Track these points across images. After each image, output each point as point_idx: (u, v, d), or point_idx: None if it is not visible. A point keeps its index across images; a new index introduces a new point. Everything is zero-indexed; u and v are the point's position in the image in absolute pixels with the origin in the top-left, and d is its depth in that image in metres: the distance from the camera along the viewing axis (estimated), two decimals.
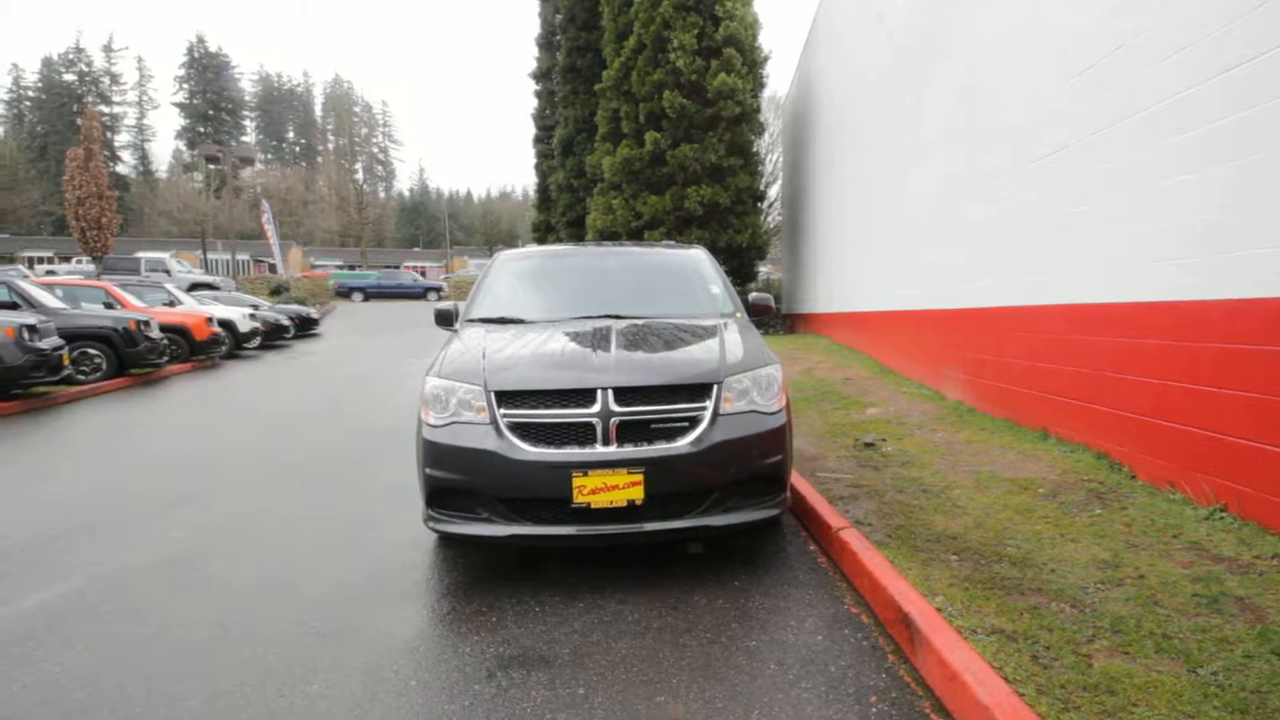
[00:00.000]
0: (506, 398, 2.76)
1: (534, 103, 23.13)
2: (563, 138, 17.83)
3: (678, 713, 1.92)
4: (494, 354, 3.09)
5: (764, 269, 20.20)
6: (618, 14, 14.84)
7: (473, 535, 2.74)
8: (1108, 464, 3.86)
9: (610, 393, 2.72)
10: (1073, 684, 1.86)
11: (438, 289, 31.14)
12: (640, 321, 3.54)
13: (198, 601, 2.72)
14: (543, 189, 22.12)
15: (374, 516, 3.78)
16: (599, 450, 2.66)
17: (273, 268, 34.95)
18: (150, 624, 2.52)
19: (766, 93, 15.43)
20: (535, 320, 3.65)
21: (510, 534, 2.68)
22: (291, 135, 77.05)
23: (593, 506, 2.63)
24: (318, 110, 78.54)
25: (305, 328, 17.77)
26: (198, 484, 4.47)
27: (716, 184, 14.22)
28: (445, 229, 58.71)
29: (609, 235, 15.05)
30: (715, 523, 2.74)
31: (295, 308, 18.49)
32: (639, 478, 2.63)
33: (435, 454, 2.78)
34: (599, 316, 3.63)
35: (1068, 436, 4.31)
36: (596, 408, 2.70)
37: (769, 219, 19.30)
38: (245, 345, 13.75)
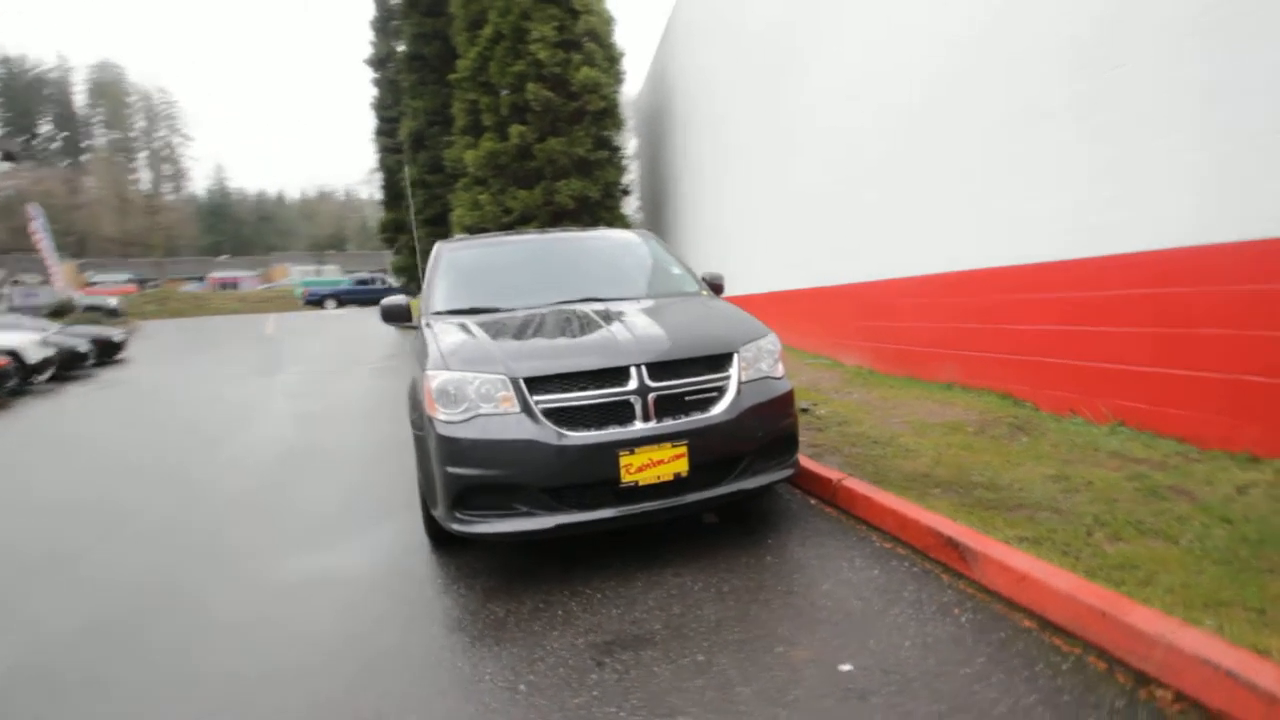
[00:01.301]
0: (537, 384, 2.65)
1: (372, 91, 21.49)
2: (412, 130, 16.77)
3: (806, 655, 2.01)
4: (502, 341, 2.93)
5: None
6: (469, 1, 14.29)
7: (512, 532, 2.59)
8: (1012, 402, 4.55)
9: (644, 369, 2.72)
10: (1103, 566, 2.23)
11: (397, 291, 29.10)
12: (628, 301, 3.54)
13: None
14: (391, 185, 20.66)
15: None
16: (642, 426, 2.65)
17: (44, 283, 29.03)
18: None
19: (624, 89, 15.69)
20: (516, 308, 3.50)
21: (556, 524, 2.58)
22: (47, 129, 64.16)
23: (641, 484, 2.62)
24: (80, 99, 66.16)
25: (107, 353, 15.02)
26: None
27: (586, 178, 14.25)
28: (257, 232, 52.51)
29: (478, 232, 14.51)
30: (748, 486, 2.85)
31: (91, 329, 15.59)
32: (683, 450, 2.66)
33: (460, 451, 2.59)
34: (581, 300, 3.57)
35: (970, 384, 5.00)
36: (633, 384, 2.68)
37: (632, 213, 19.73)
38: (35, 378, 11.34)
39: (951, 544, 2.50)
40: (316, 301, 29.46)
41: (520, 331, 3.08)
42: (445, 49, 17.14)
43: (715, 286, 4.23)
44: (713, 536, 3.06)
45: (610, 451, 2.58)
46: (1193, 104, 3.28)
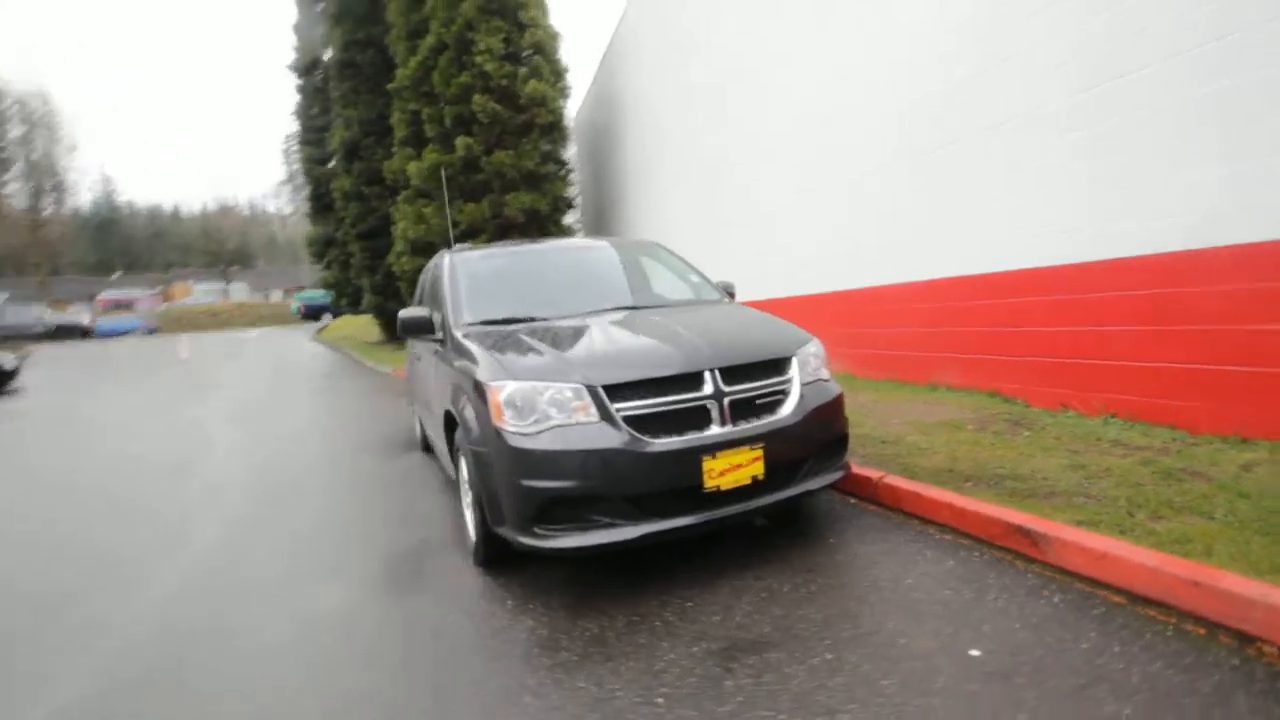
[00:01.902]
0: (617, 391, 2.60)
1: (295, 98, 20.39)
2: (346, 140, 16.03)
3: (930, 645, 2.06)
4: (564, 350, 2.86)
5: None
6: (409, 9, 13.94)
7: (597, 545, 2.51)
8: (1002, 399, 4.85)
9: (718, 373, 2.73)
10: (1162, 542, 2.42)
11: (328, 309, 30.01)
12: (667, 309, 3.55)
13: None
14: (319, 198, 19.62)
15: None
16: (721, 431, 2.66)
17: None
18: None
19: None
20: (554, 317, 3.43)
21: (641, 534, 2.53)
22: None
23: (722, 488, 2.62)
24: None
25: None
26: None
27: (535, 191, 14.13)
28: (150, 249, 48.57)
29: (423, 246, 14.06)
30: (811, 487, 2.91)
31: None
32: (759, 453, 2.69)
33: (537, 463, 2.51)
34: (618, 309, 3.55)
35: (955, 384, 5.30)
36: (708, 389, 2.69)
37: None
38: None
39: (1021, 531, 2.64)
40: (314, 315, 31.67)
41: (577, 340, 3.02)
42: (380, 57, 16.61)
43: (729, 295, 4.30)
44: (771, 539, 3.09)
45: (694, 457, 2.57)
46: (1149, 134, 3.66)
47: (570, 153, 15.35)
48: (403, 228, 14.11)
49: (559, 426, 2.56)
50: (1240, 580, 2.01)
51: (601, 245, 4.57)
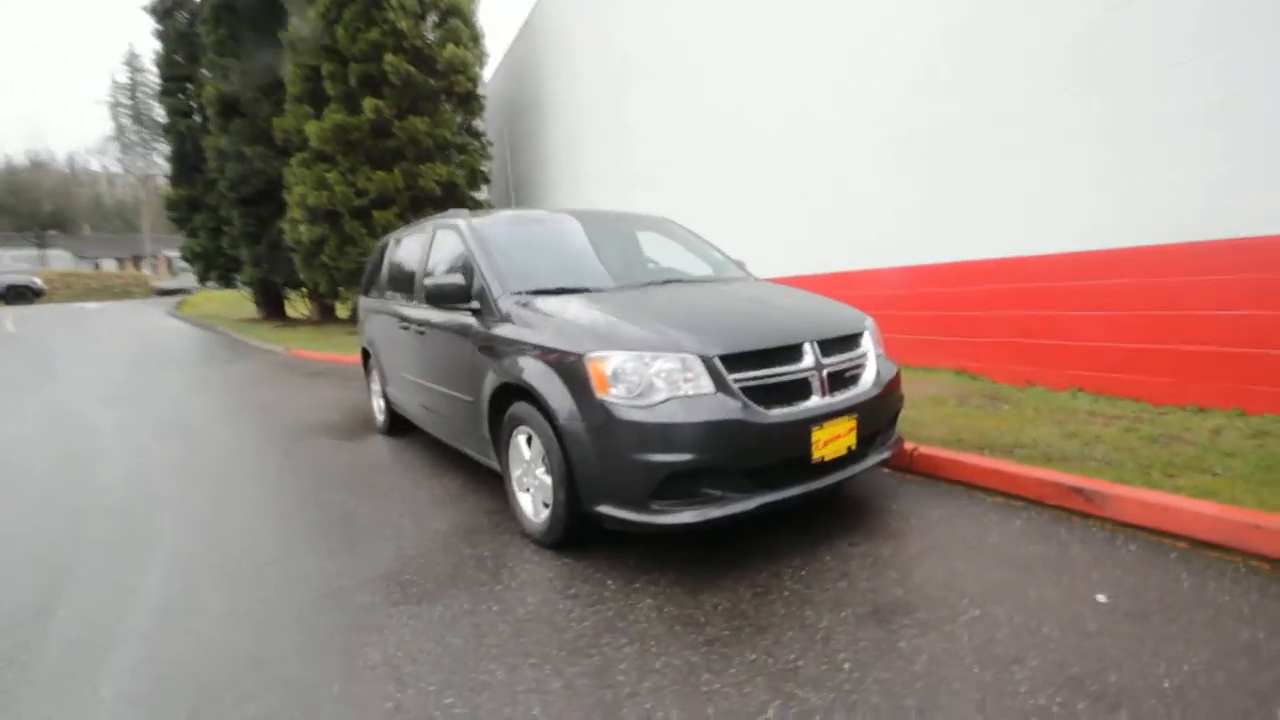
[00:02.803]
0: (731, 362, 2.53)
1: (155, 45, 17.51)
2: (223, 94, 14.07)
3: (1057, 595, 2.22)
4: (658, 321, 2.74)
5: None
6: None
7: (717, 518, 2.43)
8: (969, 377, 5.30)
9: (817, 345, 2.74)
10: (1194, 495, 2.76)
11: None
12: (721, 283, 3.51)
13: None
14: (182, 156, 17.13)
15: None
16: (823, 402, 2.68)
17: None
18: None
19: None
20: (610, 288, 3.27)
21: (758, 505, 2.50)
22: None
23: (826, 459, 2.65)
24: None
25: None
26: None
27: (451, 162, 13.36)
28: None
29: (327, 214, 12.83)
30: (881, 457, 3.02)
31: None
32: (854, 423, 2.75)
33: (658, 436, 2.40)
34: (669, 281, 3.48)
35: (919, 364, 5.71)
36: (809, 361, 2.70)
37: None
38: None
39: (1076, 490, 2.91)
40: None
41: (663, 311, 2.90)
42: (265, 1, 14.83)
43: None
44: (833, 510, 3.16)
45: (805, 428, 2.57)
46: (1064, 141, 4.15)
47: (484, 125, 14.64)
48: (301, 193, 12.79)
49: (677, 398, 2.45)
50: None
51: (616, 216, 4.40)
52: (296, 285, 16.77)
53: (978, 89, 5.03)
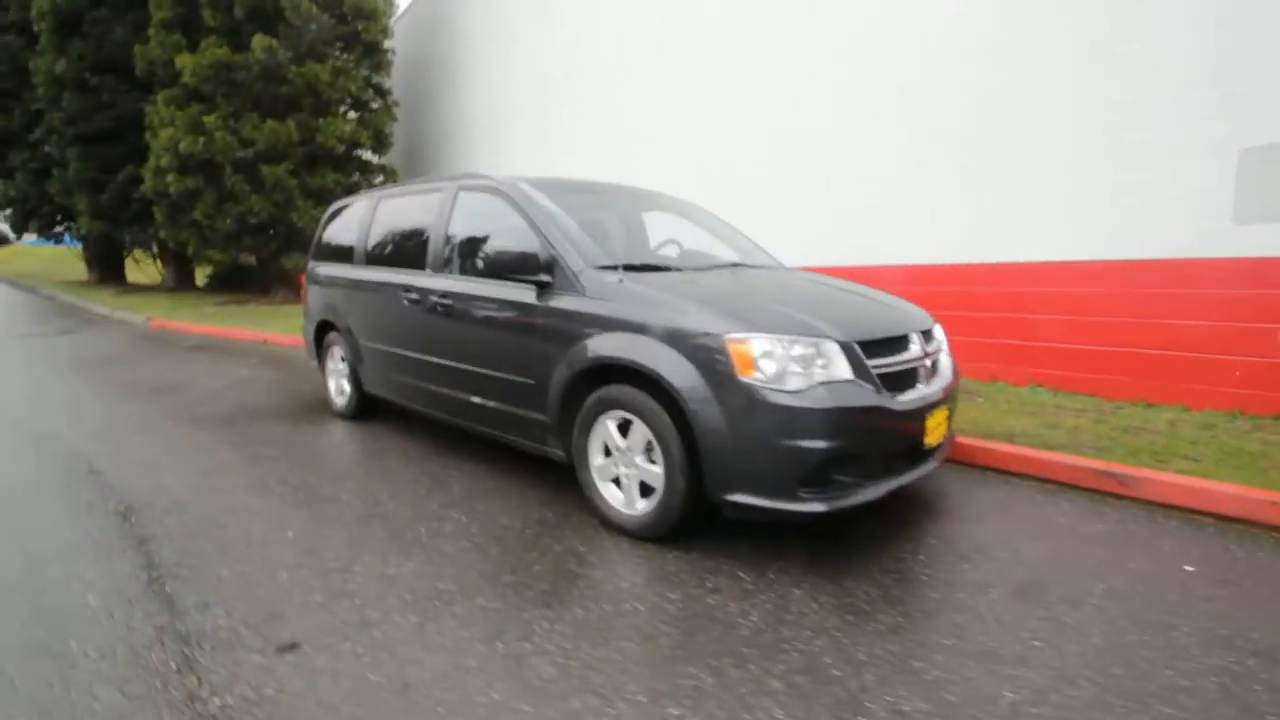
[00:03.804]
0: (870, 348, 2.53)
1: None
2: (60, 6, 11.54)
3: (1147, 566, 2.48)
4: (775, 303, 2.66)
5: None
6: None
7: (850, 505, 2.44)
8: None
9: (920, 336, 2.82)
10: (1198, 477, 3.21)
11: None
12: (789, 272, 3.51)
13: None
14: None
15: None
16: (930, 390, 2.77)
17: None
18: None
19: None
20: (691, 267, 3.14)
21: (885, 491, 2.54)
22: None
23: (930, 445, 2.75)
24: None
25: None
26: None
27: (357, 120, 12.14)
28: None
29: (202, 164, 11.11)
30: (952, 444, 3.18)
31: None
32: (949, 412, 2.87)
33: (808, 422, 2.34)
34: (736, 265, 3.42)
35: None
36: (917, 350, 2.78)
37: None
38: None
39: (1108, 474, 3.25)
40: None
41: (779, 294, 2.84)
42: None
43: None
44: (898, 496, 3.28)
45: (923, 414, 2.65)
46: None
47: (389, 82, 13.44)
48: (169, 137, 10.99)
49: (823, 384, 2.40)
50: None
51: (652, 195, 4.20)
52: (145, 244, 14.41)
53: (892, 111, 5.43)
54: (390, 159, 13.63)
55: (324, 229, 5.25)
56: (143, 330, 10.25)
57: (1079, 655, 1.94)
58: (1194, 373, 4.34)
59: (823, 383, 2.40)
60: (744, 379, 2.38)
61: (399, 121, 13.70)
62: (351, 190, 12.73)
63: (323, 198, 11.88)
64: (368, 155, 12.64)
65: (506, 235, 3.29)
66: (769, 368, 2.38)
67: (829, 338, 2.47)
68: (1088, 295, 4.79)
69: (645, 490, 2.73)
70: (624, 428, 2.75)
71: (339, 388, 4.89)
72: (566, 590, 2.33)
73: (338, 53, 11.69)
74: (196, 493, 3.28)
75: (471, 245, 3.59)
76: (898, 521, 2.92)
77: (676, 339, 2.54)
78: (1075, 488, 3.36)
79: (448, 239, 3.71)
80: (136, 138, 12.34)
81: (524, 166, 11.01)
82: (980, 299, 5.39)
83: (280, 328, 9.90)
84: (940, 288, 5.63)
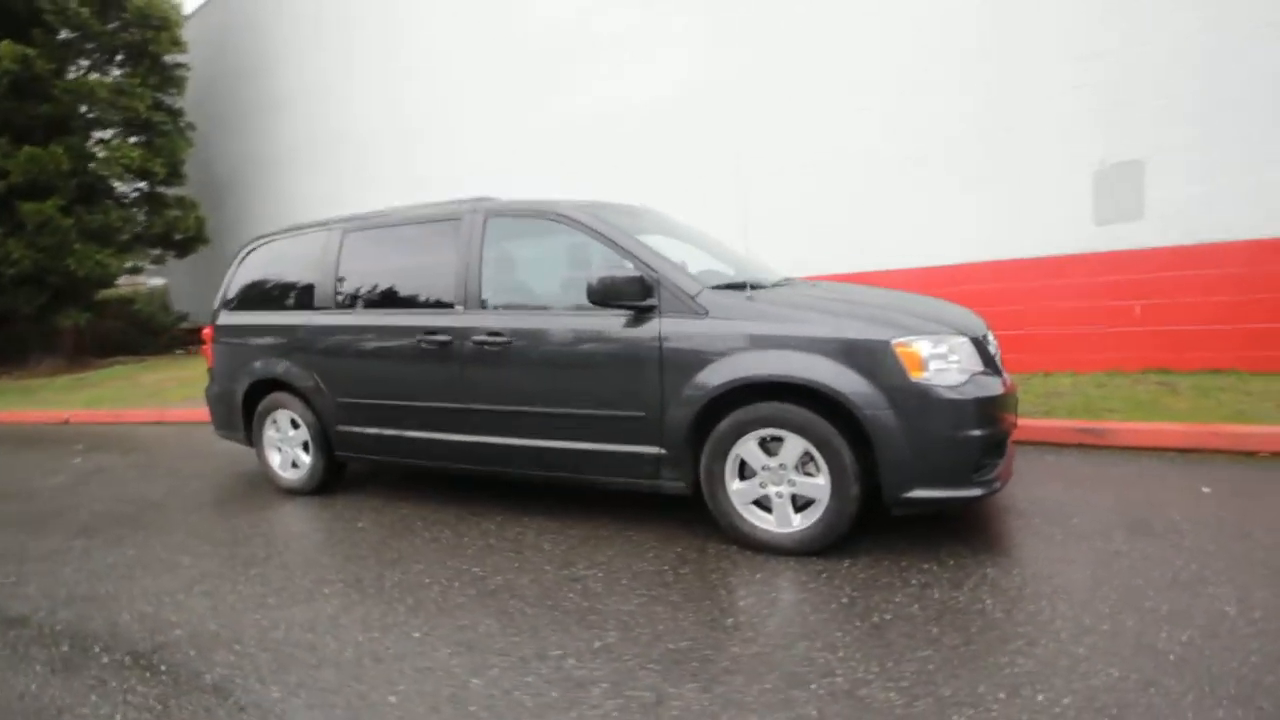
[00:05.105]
0: (978, 344, 2.81)
1: None
2: None
3: (1172, 497, 3.09)
4: (886, 309, 2.84)
5: (141, 279, 14.85)
6: None
7: (998, 486, 2.69)
8: None
9: (990, 336, 3.20)
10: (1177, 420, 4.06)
11: None
12: (842, 285, 3.75)
13: None
14: None
15: None
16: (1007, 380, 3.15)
17: None
18: None
19: None
20: (759, 282, 3.18)
21: (1003, 468, 2.83)
22: None
23: None
24: None
25: None
26: None
27: (146, 146, 10.12)
28: None
29: None
30: None
31: None
32: None
33: (975, 412, 2.55)
34: (785, 281, 3.56)
35: None
36: (994, 349, 3.13)
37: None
38: None
39: (1086, 430, 3.96)
40: None
41: (876, 301, 3.00)
42: None
43: None
44: None
45: (1015, 403, 3.00)
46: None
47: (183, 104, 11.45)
48: None
49: (973, 377, 2.63)
50: (1234, 427, 3.70)
51: (636, 211, 4.13)
52: None
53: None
54: (188, 191, 11.51)
55: (237, 271, 4.37)
56: None
57: (1221, 572, 2.38)
58: (1077, 345, 5.44)
59: (971, 376, 2.64)
60: (916, 380, 2.52)
61: (195, 148, 11.67)
62: (151, 233, 10.56)
63: (107, 239, 9.69)
64: (179, 188, 10.56)
65: (580, 263, 3.08)
66: (935, 367, 2.55)
67: (963, 334, 2.72)
68: (990, 290, 5.74)
69: (798, 504, 2.73)
70: (775, 446, 2.73)
71: (289, 459, 4.08)
72: (782, 612, 2.25)
73: (118, 66, 9.68)
74: (264, 632, 2.53)
75: (523, 277, 3.29)
76: None
77: (836, 349, 2.59)
78: (1059, 445, 4.04)
79: (481, 272, 3.33)
80: None
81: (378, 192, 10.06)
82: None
83: (79, 401, 7.89)
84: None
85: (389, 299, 3.63)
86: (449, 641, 2.24)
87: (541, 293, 3.36)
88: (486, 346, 3.22)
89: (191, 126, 11.24)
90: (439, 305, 3.41)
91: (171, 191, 11.14)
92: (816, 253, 6.30)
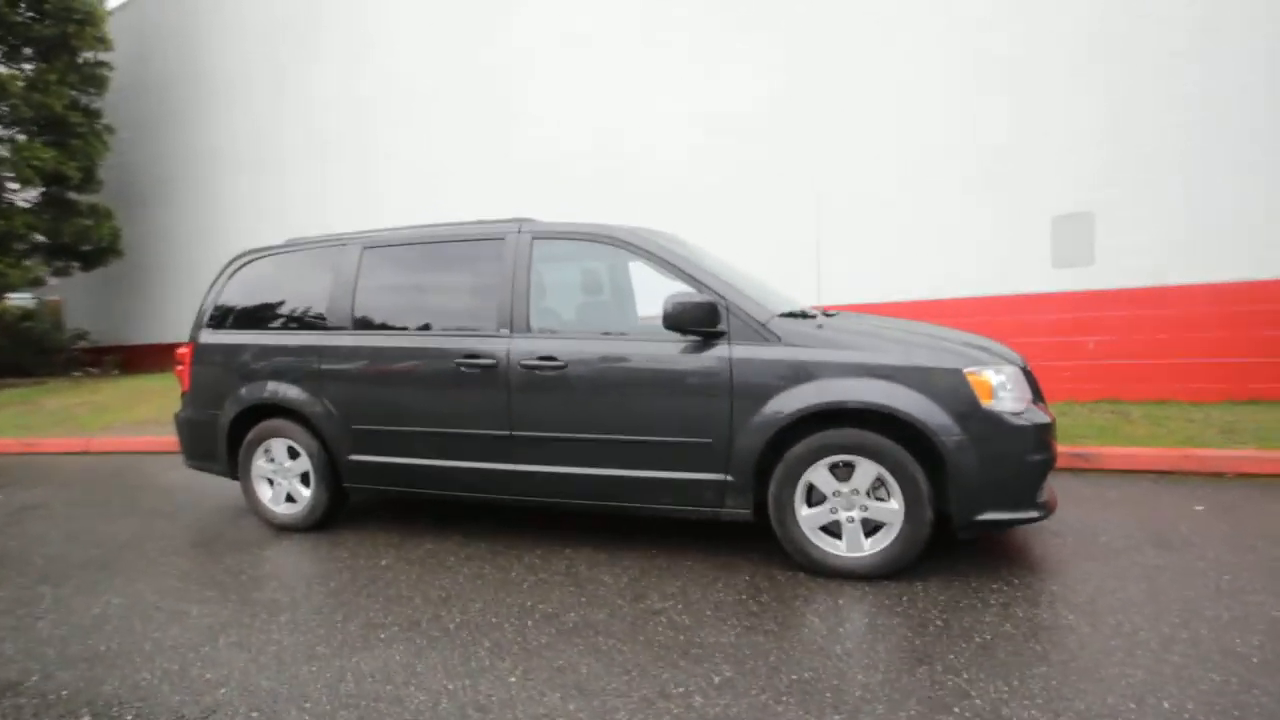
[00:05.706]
0: (1028, 374, 2.99)
1: None
2: None
3: (1171, 514, 3.39)
4: (934, 339, 2.98)
5: (21, 295, 13.27)
6: None
7: (1053, 509, 2.86)
8: None
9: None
10: (1161, 444, 4.43)
11: None
12: (867, 315, 3.86)
13: None
14: None
15: None
16: None
17: None
18: None
19: None
20: (812, 313, 3.27)
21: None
22: None
23: None
24: None
25: None
26: None
27: (60, 147, 9.19)
28: None
29: None
30: None
31: None
32: None
33: (1038, 438, 2.72)
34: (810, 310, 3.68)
35: None
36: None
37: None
38: None
39: (1076, 455, 4.27)
40: None
41: (920, 331, 3.13)
42: None
43: None
44: None
45: None
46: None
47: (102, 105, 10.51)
48: None
49: (1029, 404, 2.79)
50: (1205, 451, 4.11)
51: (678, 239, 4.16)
52: None
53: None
54: (103, 198, 10.46)
55: (225, 286, 4.02)
56: None
57: (1250, 591, 2.63)
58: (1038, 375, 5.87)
59: (1028, 404, 2.81)
60: (987, 407, 2.65)
61: (113, 153, 10.67)
62: (61, 245, 9.52)
63: (5, 247, 8.66)
64: (91, 195, 9.54)
65: (626, 289, 3.05)
66: (1003, 394, 2.70)
67: (1016, 365, 2.89)
68: (968, 324, 6.13)
69: (867, 529, 2.78)
70: (847, 471, 2.77)
71: (285, 492, 3.74)
72: (904, 643, 2.28)
73: (28, 61, 8.79)
74: (331, 686, 2.26)
75: (576, 300, 3.22)
76: None
77: (912, 377, 2.69)
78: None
79: (529, 294, 3.23)
80: None
81: (330, 204, 9.59)
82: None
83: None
84: None
85: (418, 320, 3.44)
86: (553, 685, 2.10)
87: (595, 317, 3.30)
88: (538, 371, 3.11)
89: (110, 130, 10.30)
90: (477, 328, 3.27)
91: (84, 198, 10.11)
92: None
